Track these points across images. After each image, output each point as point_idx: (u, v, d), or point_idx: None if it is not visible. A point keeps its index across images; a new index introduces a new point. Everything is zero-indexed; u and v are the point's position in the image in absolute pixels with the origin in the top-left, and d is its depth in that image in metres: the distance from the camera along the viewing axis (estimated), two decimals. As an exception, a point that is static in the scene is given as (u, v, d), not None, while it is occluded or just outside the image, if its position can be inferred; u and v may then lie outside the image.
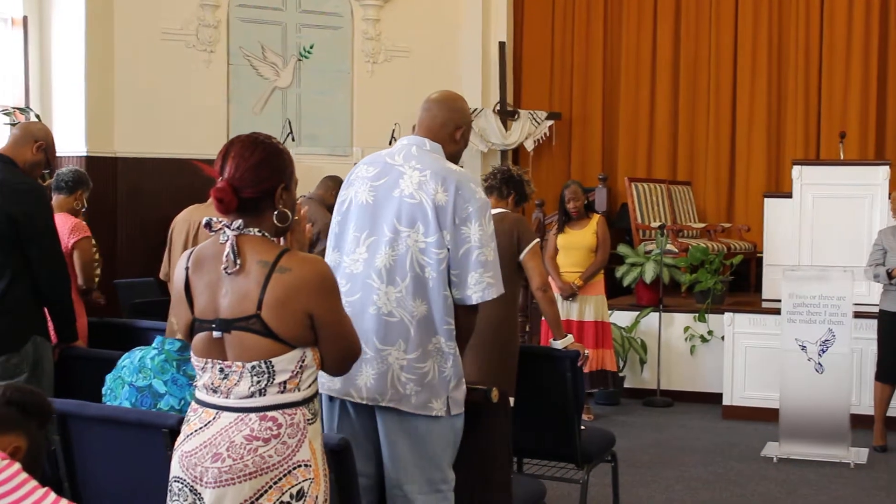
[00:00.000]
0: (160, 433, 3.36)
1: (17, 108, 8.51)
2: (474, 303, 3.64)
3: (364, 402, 3.64)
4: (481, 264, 3.62)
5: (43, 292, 4.86)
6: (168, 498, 2.88)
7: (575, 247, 8.13)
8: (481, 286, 3.62)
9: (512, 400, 4.67)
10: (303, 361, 2.82)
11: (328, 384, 3.69)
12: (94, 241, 6.17)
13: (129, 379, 3.79)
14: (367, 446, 3.71)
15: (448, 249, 3.60)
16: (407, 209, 3.63)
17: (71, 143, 9.00)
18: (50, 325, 5.00)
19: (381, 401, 3.61)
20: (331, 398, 3.74)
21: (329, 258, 3.81)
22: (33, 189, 4.91)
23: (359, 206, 3.73)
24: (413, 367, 3.60)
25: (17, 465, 2.75)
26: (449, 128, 3.82)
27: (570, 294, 8.05)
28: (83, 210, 6.38)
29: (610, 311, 8.64)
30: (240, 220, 2.82)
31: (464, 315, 3.68)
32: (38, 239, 4.81)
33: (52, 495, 2.76)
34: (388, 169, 3.73)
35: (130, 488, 3.61)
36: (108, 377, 3.90)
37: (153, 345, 3.87)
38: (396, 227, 3.63)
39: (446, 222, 3.60)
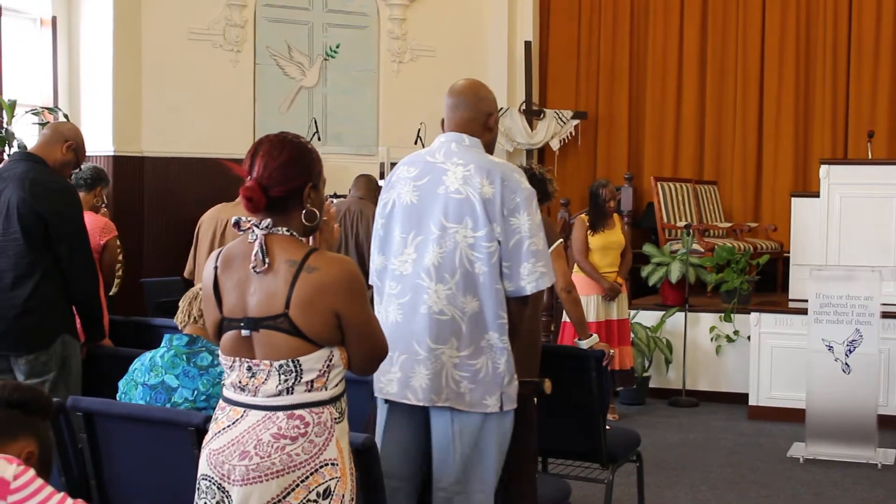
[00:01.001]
0: (186, 431, 3.38)
1: (46, 108, 8.57)
2: (528, 293, 3.65)
3: (420, 405, 3.64)
4: (533, 254, 3.62)
5: (72, 291, 4.90)
6: (196, 495, 2.90)
7: (613, 247, 8.08)
8: (535, 276, 3.63)
9: (535, 400, 4.66)
10: (330, 361, 2.84)
11: (385, 388, 3.70)
12: (118, 242, 6.21)
13: (140, 380, 3.83)
14: (414, 449, 3.72)
15: (498, 242, 3.60)
16: (454, 205, 3.63)
17: (98, 142, 9.05)
18: (78, 323, 5.04)
19: (437, 401, 3.61)
20: (385, 401, 3.75)
21: (374, 261, 3.82)
22: (64, 188, 4.95)
23: (403, 207, 3.73)
24: (466, 364, 3.61)
25: (31, 472, 2.76)
26: (481, 118, 3.81)
27: (616, 294, 8.02)
28: (104, 206, 6.41)
29: (634, 311, 8.64)
30: (268, 220, 2.84)
31: (515, 307, 3.68)
32: (68, 237, 4.85)
33: (69, 501, 2.77)
34: (429, 167, 3.73)
35: (157, 486, 3.63)
36: (121, 382, 3.94)
37: (161, 344, 3.90)
38: (443, 224, 3.63)
39: (495, 214, 3.60)
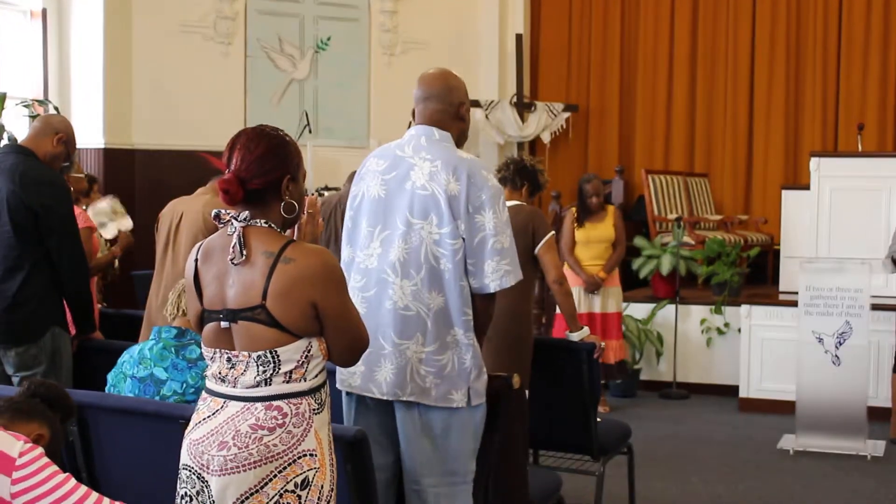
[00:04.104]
0: (177, 424, 3.38)
1: (36, 101, 8.55)
2: (492, 291, 3.63)
3: (385, 398, 3.65)
4: (497, 252, 3.60)
5: (62, 283, 4.88)
6: (178, 484, 2.92)
7: (596, 240, 8.12)
8: (499, 274, 3.61)
9: (527, 392, 4.68)
10: (308, 352, 2.84)
11: (348, 380, 3.70)
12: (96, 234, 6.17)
13: (129, 372, 3.83)
14: (385, 441, 3.72)
15: (463, 239, 3.59)
16: (419, 201, 3.61)
17: (89, 135, 9.05)
18: (69, 316, 5.03)
19: (402, 395, 3.61)
20: (348, 393, 3.76)
21: (343, 253, 3.82)
22: (54, 181, 4.93)
23: (371, 200, 3.72)
24: (432, 359, 3.60)
25: (39, 450, 2.79)
26: (451, 110, 3.77)
27: (596, 287, 8.04)
28: (83, 192, 6.34)
29: (625, 304, 8.64)
30: (246, 212, 2.84)
31: (481, 304, 3.67)
32: (58, 230, 4.84)
33: (72, 481, 2.79)
34: (398, 161, 3.71)
35: (148, 478, 3.63)
36: (110, 375, 3.94)
37: (150, 336, 3.90)
38: (409, 220, 3.61)
39: (460, 212, 3.58)
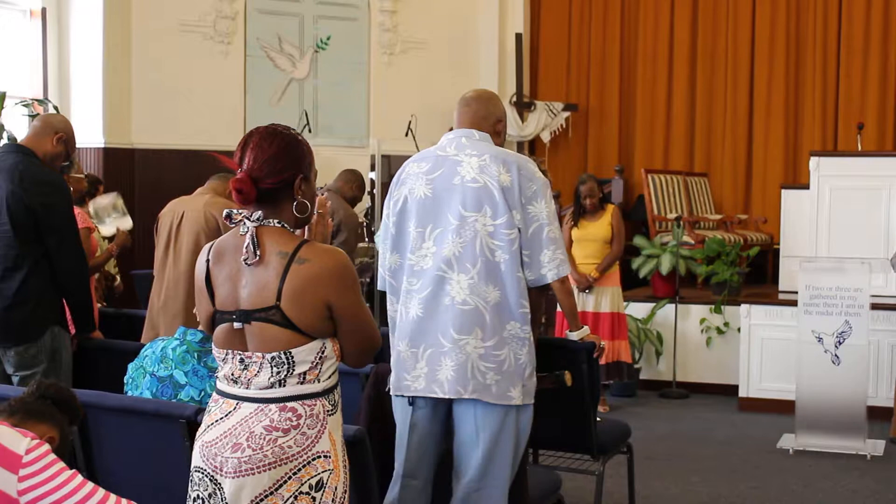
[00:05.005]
0: (178, 423, 3.38)
1: (36, 100, 8.54)
2: (549, 281, 3.67)
3: (447, 397, 3.64)
4: (552, 241, 3.65)
5: (62, 283, 4.88)
6: (189, 487, 2.90)
7: (590, 239, 8.13)
8: (555, 263, 3.65)
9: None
10: (322, 353, 2.83)
11: (413, 385, 3.69)
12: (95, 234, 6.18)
13: (150, 368, 3.82)
14: (434, 447, 3.72)
15: (518, 230, 3.62)
16: (472, 194, 3.64)
17: (89, 134, 9.04)
18: (68, 315, 5.02)
19: (464, 393, 3.61)
20: (408, 398, 3.73)
21: (387, 260, 3.81)
22: (53, 180, 4.93)
23: (417, 201, 3.73)
24: (491, 354, 3.61)
25: (46, 446, 2.80)
26: (491, 120, 3.87)
27: (587, 286, 8.06)
28: (84, 192, 6.35)
29: (626, 303, 8.63)
30: (259, 212, 2.83)
31: (535, 296, 3.70)
32: (57, 230, 4.84)
33: (79, 477, 2.80)
34: (441, 161, 3.74)
35: (149, 478, 3.63)
36: (131, 366, 3.93)
37: (175, 335, 3.89)
38: (462, 214, 3.63)
39: (514, 202, 3.62)
